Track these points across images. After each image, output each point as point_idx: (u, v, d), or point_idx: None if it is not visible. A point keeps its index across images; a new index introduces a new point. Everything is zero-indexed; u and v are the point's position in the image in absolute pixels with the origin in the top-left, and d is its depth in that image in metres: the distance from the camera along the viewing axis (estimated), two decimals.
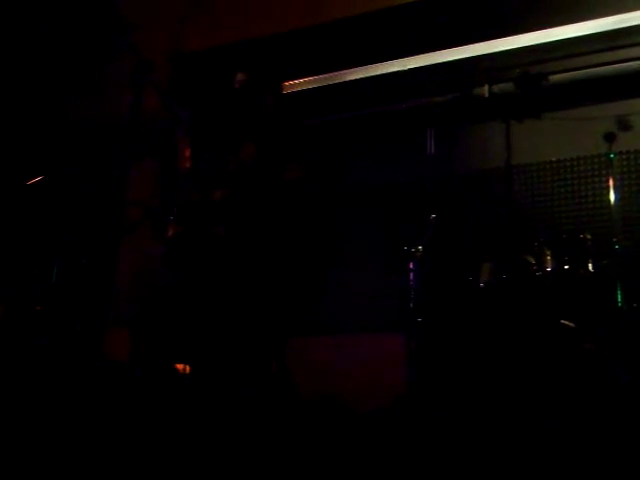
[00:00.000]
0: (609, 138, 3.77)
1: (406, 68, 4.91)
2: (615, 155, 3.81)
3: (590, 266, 3.58)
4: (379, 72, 5.01)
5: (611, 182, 3.73)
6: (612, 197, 3.71)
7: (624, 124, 3.78)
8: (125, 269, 4.36)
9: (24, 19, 5.51)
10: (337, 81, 5.14)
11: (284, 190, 3.55)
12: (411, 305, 3.88)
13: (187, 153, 3.71)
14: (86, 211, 5.01)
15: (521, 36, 4.63)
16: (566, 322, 3.49)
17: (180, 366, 3.72)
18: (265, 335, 3.47)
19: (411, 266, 3.93)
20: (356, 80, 5.08)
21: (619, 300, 3.44)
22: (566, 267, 3.59)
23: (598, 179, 4.33)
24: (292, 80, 5.17)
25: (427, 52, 4.86)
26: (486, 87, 4.61)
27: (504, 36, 4.67)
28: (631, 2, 4.37)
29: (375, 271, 4.79)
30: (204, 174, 3.74)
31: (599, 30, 4.44)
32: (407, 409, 3.56)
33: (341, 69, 5.13)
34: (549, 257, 3.63)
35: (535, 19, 4.62)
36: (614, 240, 3.61)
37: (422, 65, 4.87)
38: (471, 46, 4.74)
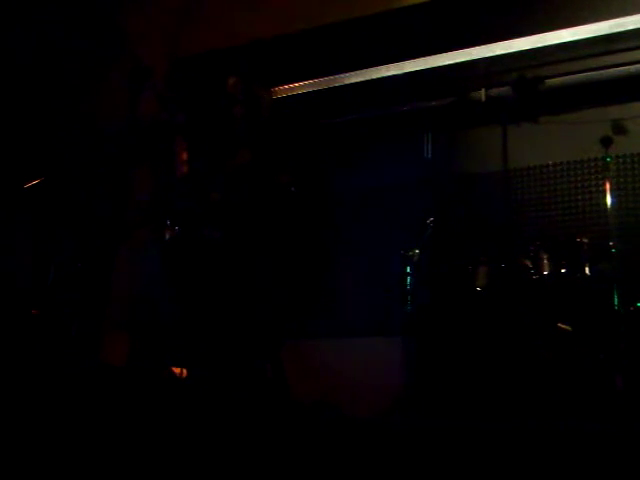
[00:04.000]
0: (605, 142, 3.78)
1: (402, 72, 4.92)
2: (611, 159, 3.82)
3: (587, 270, 3.58)
4: (375, 76, 5.02)
5: (607, 186, 3.73)
6: (609, 201, 3.72)
7: (620, 128, 3.79)
8: (122, 272, 4.36)
9: (24, 23, 5.51)
10: (333, 85, 5.15)
11: (277, 193, 3.55)
12: (408, 309, 3.88)
13: (184, 157, 3.72)
14: (84, 214, 5.00)
15: (518, 40, 4.64)
16: (563, 325, 3.50)
17: (177, 369, 3.72)
18: (260, 339, 3.47)
19: (408, 269, 3.93)
20: (352, 84, 5.09)
21: (616, 303, 3.45)
22: (563, 271, 3.60)
23: (595, 183, 4.34)
24: (288, 84, 5.18)
25: (424, 56, 4.87)
26: (483, 91, 4.62)
27: (501, 40, 4.68)
28: (627, 6, 4.38)
29: (373, 274, 4.79)
30: (201, 178, 3.74)
31: (595, 34, 4.45)
32: (404, 413, 3.56)
33: (337, 73, 5.14)
34: (546, 261, 3.63)
35: (531, 23, 4.63)
36: (611, 244, 3.62)
37: (419, 69, 4.88)
38: (468, 50, 4.75)
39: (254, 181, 3.59)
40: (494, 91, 4.57)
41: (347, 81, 5.12)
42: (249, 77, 3.82)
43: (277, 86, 4.39)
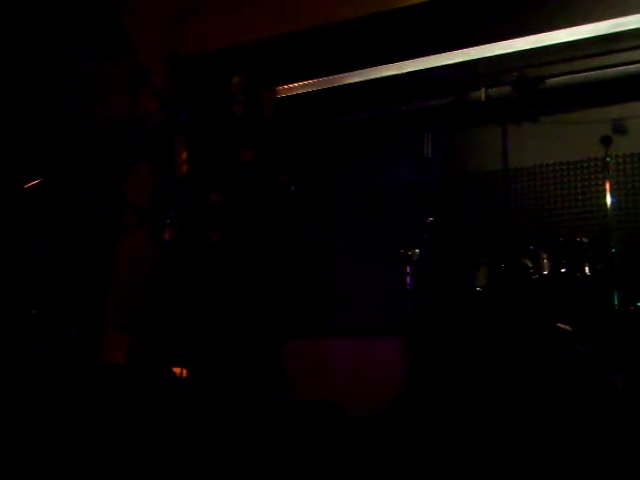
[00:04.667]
0: (605, 141, 3.78)
1: (403, 72, 4.92)
2: (611, 158, 3.82)
3: (587, 269, 3.58)
4: (376, 76, 5.02)
5: (607, 185, 3.73)
6: (608, 200, 3.71)
7: (620, 127, 3.79)
8: (121, 272, 4.35)
9: (24, 22, 5.51)
10: (333, 85, 5.15)
11: (278, 193, 3.56)
12: (408, 308, 3.87)
13: (183, 157, 3.72)
14: (83, 214, 5.00)
15: (518, 40, 4.64)
16: (562, 325, 3.49)
17: (177, 369, 3.71)
18: (260, 338, 3.47)
19: (408, 269, 3.93)
20: (353, 84, 5.08)
21: (616, 303, 3.44)
22: (563, 270, 3.60)
23: (595, 182, 4.33)
24: (287, 84, 5.18)
25: (424, 56, 4.87)
26: (483, 91, 4.62)
27: (501, 40, 4.68)
28: (626, 6, 4.38)
29: (373, 274, 4.79)
30: (201, 177, 3.74)
31: (595, 34, 4.45)
32: (405, 413, 3.56)
33: (338, 73, 5.14)
34: (546, 260, 3.63)
35: (531, 23, 4.63)
36: (610, 243, 3.61)
37: (419, 69, 4.88)
38: (468, 50, 4.75)
39: (255, 181, 3.59)
40: (494, 91, 4.57)
41: (347, 81, 5.12)
42: (252, 77, 3.82)
43: (277, 85, 4.37)
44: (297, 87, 5.19)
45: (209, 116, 4.21)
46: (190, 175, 3.72)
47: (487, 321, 3.61)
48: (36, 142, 5.45)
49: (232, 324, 3.43)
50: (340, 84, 5.12)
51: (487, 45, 4.70)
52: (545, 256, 3.64)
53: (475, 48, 4.73)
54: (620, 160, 4.28)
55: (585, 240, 3.65)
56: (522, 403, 3.27)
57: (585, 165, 4.43)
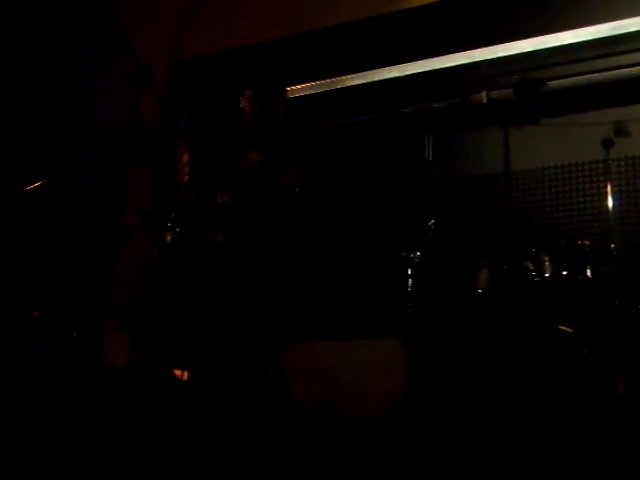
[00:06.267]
0: (607, 144, 3.78)
1: (404, 74, 4.93)
2: (613, 161, 3.82)
3: (588, 272, 3.58)
4: (377, 78, 5.02)
5: (609, 188, 3.73)
6: (610, 203, 3.71)
7: (621, 130, 3.78)
8: (123, 275, 4.35)
9: (24, 23, 5.52)
10: (335, 87, 5.15)
11: (281, 196, 3.56)
12: (410, 311, 3.88)
13: (185, 159, 3.72)
14: (84, 216, 5.01)
15: (519, 42, 4.64)
16: (564, 328, 3.49)
17: (178, 372, 3.71)
18: (261, 342, 3.47)
19: (409, 272, 3.93)
20: (354, 86, 5.09)
21: (617, 306, 3.44)
22: (564, 273, 3.60)
23: (596, 185, 4.33)
24: (289, 86, 5.18)
25: (425, 58, 4.87)
26: (484, 93, 4.62)
27: (502, 42, 4.68)
28: (628, 8, 4.38)
29: (374, 277, 4.80)
30: (204, 180, 3.74)
31: (597, 36, 4.45)
32: (405, 415, 3.56)
33: (339, 75, 5.14)
34: (547, 263, 3.63)
35: (533, 25, 4.63)
36: (612, 246, 3.61)
37: (420, 71, 4.89)
38: (469, 52, 4.75)
39: (261, 184, 3.60)
40: (495, 93, 4.57)
41: (349, 83, 5.13)
42: (265, 86, 3.83)
43: (286, 88, 4.37)
44: (298, 89, 5.20)
45: (214, 120, 4.22)
46: (192, 177, 3.72)
47: (488, 323, 3.62)
48: (38, 144, 5.46)
49: (233, 327, 3.44)
50: (341, 86, 5.13)
51: (489, 47, 4.71)
52: (547, 259, 3.64)
53: (477, 50, 4.74)
54: (622, 163, 4.28)
55: (587, 243, 3.64)
56: (523, 405, 3.27)
57: (587, 168, 4.43)
